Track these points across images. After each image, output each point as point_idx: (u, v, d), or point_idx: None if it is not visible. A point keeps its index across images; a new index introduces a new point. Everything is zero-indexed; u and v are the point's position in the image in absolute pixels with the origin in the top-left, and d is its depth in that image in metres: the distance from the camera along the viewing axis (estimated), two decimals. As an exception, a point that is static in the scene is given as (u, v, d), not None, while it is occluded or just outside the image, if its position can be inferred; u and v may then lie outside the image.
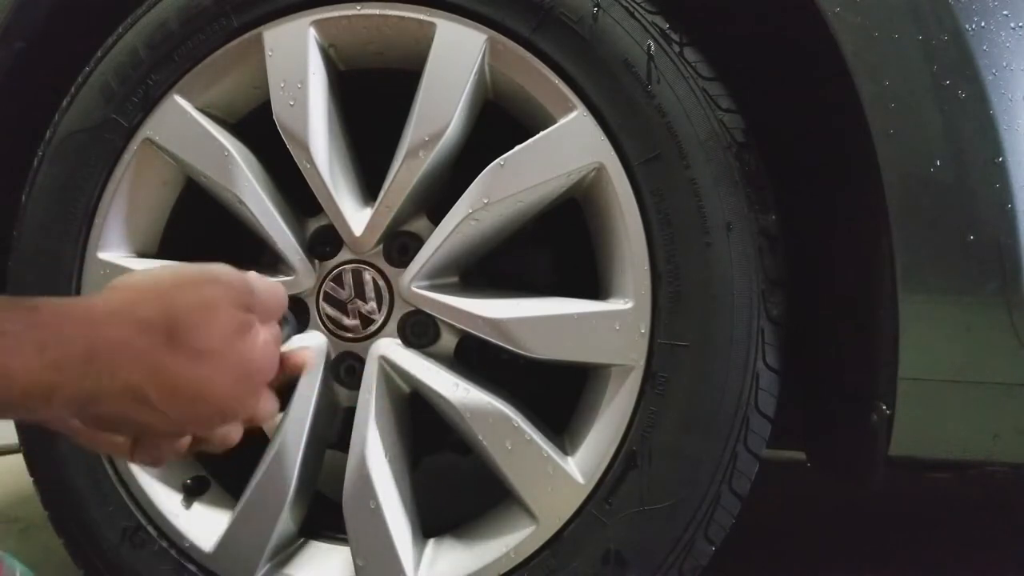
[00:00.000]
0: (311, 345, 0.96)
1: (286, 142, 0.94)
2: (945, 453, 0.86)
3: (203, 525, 0.99)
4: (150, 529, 0.98)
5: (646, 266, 0.87)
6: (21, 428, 1.03)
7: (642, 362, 0.87)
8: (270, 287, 0.64)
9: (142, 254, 1.03)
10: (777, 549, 1.45)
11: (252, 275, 0.63)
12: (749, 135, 0.88)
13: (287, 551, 1.00)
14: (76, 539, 1.01)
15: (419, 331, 0.95)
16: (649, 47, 0.87)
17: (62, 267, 1.00)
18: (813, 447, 1.09)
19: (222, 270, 0.61)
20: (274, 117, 0.94)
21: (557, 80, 0.88)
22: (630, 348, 0.87)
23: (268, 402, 0.64)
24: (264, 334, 0.61)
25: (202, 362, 0.56)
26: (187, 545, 0.98)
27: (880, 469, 0.88)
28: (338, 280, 0.97)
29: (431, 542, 0.96)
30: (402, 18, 0.92)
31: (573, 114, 0.88)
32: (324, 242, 0.99)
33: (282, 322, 0.67)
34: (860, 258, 0.91)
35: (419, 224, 0.98)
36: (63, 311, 0.53)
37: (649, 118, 0.86)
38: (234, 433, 0.64)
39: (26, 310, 0.51)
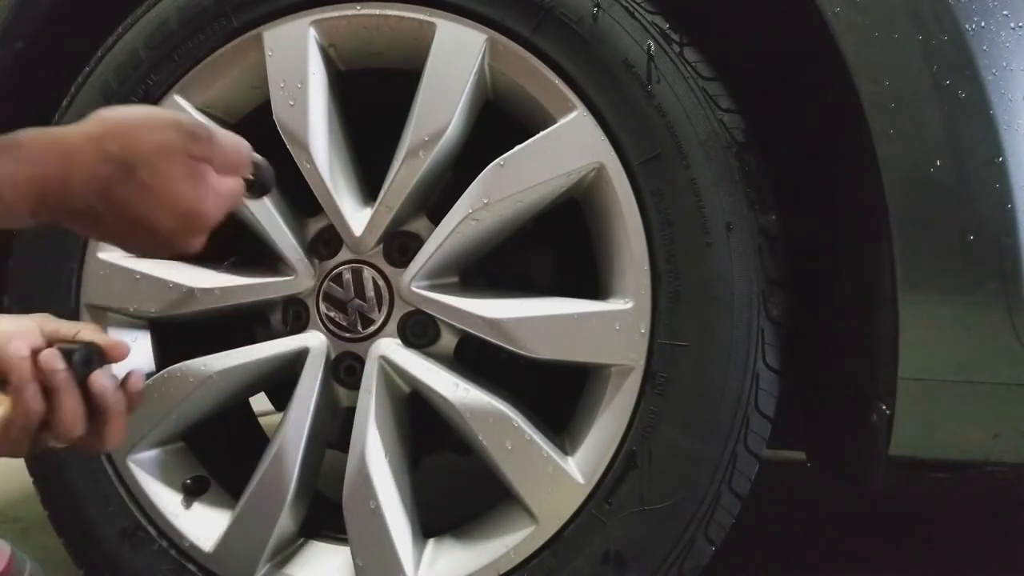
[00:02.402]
0: (311, 345, 0.96)
1: (286, 142, 0.94)
2: (945, 453, 0.85)
3: (203, 525, 0.99)
4: (150, 529, 0.99)
5: (646, 266, 0.87)
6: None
7: (642, 362, 0.87)
8: (231, 140, 0.71)
9: (142, 254, 1.03)
10: (777, 549, 1.45)
11: (216, 128, 0.71)
12: (749, 135, 0.88)
13: (287, 551, 1.00)
14: (76, 539, 1.01)
15: (419, 331, 0.95)
16: (649, 47, 0.87)
17: (62, 267, 1.00)
18: (813, 447, 1.09)
19: (187, 119, 0.69)
20: (274, 117, 0.94)
21: (557, 80, 0.88)
22: (630, 348, 0.87)
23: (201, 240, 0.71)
24: (217, 183, 0.69)
25: (149, 197, 0.65)
26: (187, 545, 0.98)
27: (880, 469, 0.88)
28: (338, 280, 0.97)
29: (431, 542, 0.96)
30: (402, 18, 0.92)
31: (573, 114, 0.88)
32: (324, 242, 0.99)
33: (255, 174, 0.74)
34: (860, 258, 0.91)
35: (419, 224, 0.98)
36: (42, 139, 0.66)
37: (649, 118, 0.86)
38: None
39: (11, 143, 0.64)
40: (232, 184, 0.71)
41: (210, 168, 0.68)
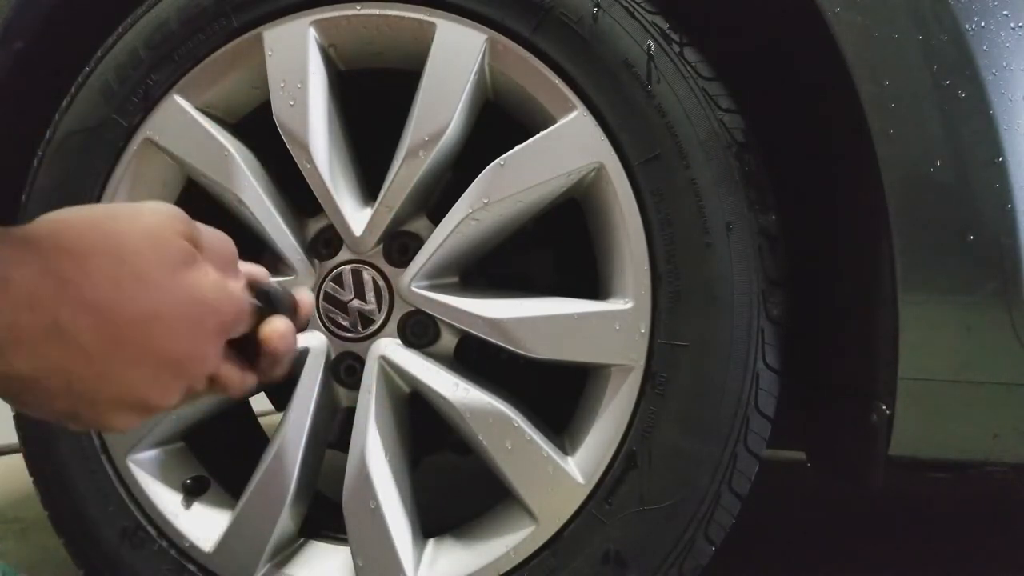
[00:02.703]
0: (311, 345, 0.96)
1: (286, 142, 0.94)
2: (945, 453, 0.85)
3: (203, 525, 0.99)
4: (150, 529, 0.99)
5: (646, 266, 0.87)
6: (21, 428, 1.03)
7: (642, 362, 0.87)
8: (211, 229, 0.55)
9: (142, 254, 1.03)
10: (777, 549, 1.45)
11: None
12: (749, 135, 0.88)
13: (287, 551, 1.00)
14: (76, 539, 1.01)
15: (419, 331, 0.95)
16: (649, 47, 0.87)
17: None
18: (813, 447, 1.09)
19: (157, 203, 0.51)
20: (274, 117, 0.94)
21: (557, 80, 0.88)
22: (630, 348, 0.87)
23: (231, 366, 0.54)
24: (214, 275, 0.52)
25: (146, 293, 0.46)
26: (187, 545, 0.98)
27: (880, 469, 0.88)
28: (338, 280, 0.97)
29: (431, 542, 0.96)
30: (402, 18, 0.92)
31: (573, 114, 0.88)
32: (324, 242, 0.99)
33: (260, 294, 0.59)
34: (860, 258, 0.91)
35: (419, 224, 0.98)
36: None
37: (649, 118, 0.86)
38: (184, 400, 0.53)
39: None
40: (237, 284, 0.55)
41: (199, 255, 0.52)
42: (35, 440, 1.02)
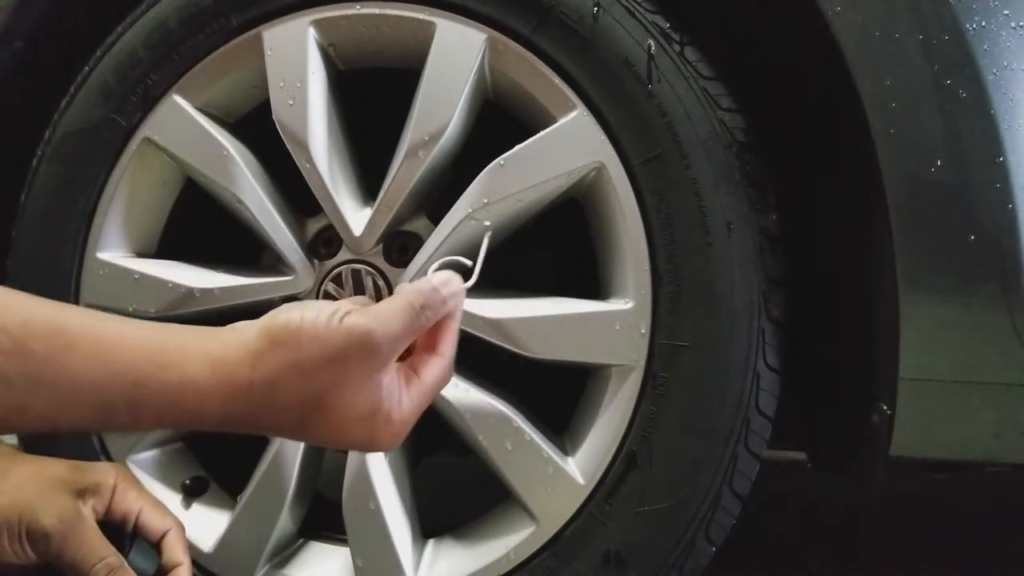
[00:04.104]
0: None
1: (285, 142, 0.94)
2: (945, 453, 0.85)
3: (202, 525, 0.98)
4: (149, 529, 0.98)
5: (646, 266, 0.87)
6: (20, 428, 1.02)
7: (642, 362, 0.87)
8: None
9: (141, 254, 1.03)
10: (777, 549, 1.45)
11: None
12: (750, 134, 0.88)
13: (287, 551, 1.00)
14: (75, 540, 1.01)
15: (419, 331, 0.95)
16: (649, 46, 0.87)
17: (61, 267, 1.00)
18: (813, 447, 1.09)
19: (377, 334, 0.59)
20: (273, 117, 0.94)
21: (557, 80, 0.88)
22: (630, 348, 0.87)
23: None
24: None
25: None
26: (186, 545, 0.97)
27: (880, 469, 0.88)
28: (338, 280, 0.96)
29: (431, 543, 0.96)
30: (402, 17, 0.92)
31: (573, 114, 0.88)
32: (324, 242, 0.99)
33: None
34: (860, 258, 0.91)
35: (419, 224, 0.98)
36: (199, 398, 0.55)
37: (649, 118, 0.86)
38: None
39: (175, 386, 0.55)
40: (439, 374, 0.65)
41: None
42: (35, 440, 1.02)
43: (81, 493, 0.74)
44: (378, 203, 0.93)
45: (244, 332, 0.58)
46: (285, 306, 0.60)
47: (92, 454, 0.99)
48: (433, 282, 0.64)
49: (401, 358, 0.63)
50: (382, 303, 0.62)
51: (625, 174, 0.87)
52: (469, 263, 0.72)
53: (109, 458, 0.99)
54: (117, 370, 0.53)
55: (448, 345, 0.66)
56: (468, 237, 0.91)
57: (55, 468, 0.77)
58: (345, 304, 0.60)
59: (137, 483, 0.81)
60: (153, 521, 0.78)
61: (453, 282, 0.66)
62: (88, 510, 0.74)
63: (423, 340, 0.65)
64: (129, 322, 0.57)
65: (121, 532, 0.75)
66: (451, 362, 0.66)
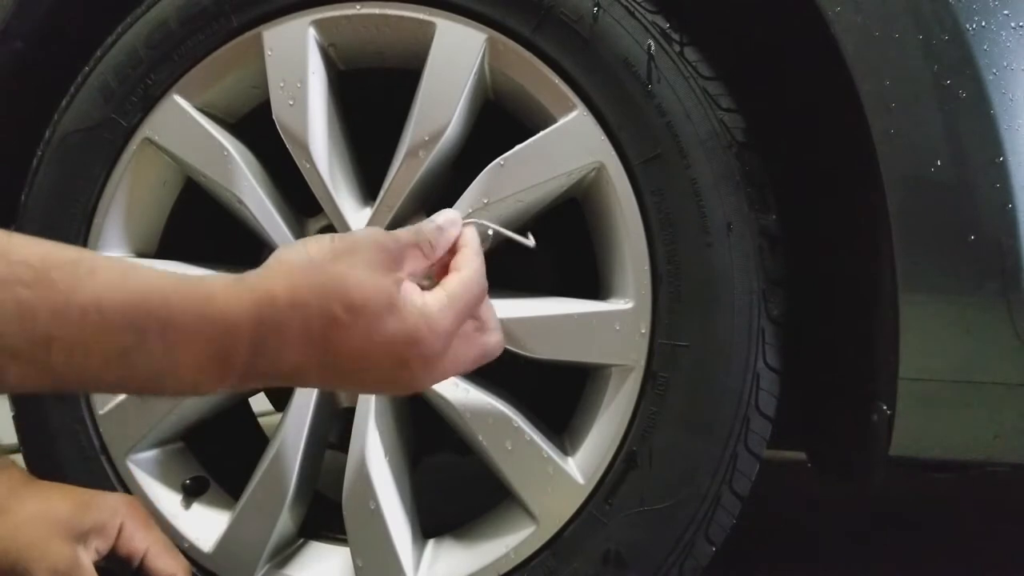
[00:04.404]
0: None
1: (285, 142, 0.94)
2: (945, 453, 0.85)
3: (202, 525, 0.98)
4: (149, 529, 0.98)
5: (646, 266, 0.87)
6: (21, 428, 1.02)
7: (642, 362, 0.87)
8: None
9: (141, 254, 1.03)
10: (777, 549, 1.45)
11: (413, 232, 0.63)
12: (750, 135, 0.88)
13: (287, 551, 1.00)
14: (75, 539, 1.01)
15: (419, 331, 0.95)
16: (649, 46, 0.87)
17: (61, 267, 1.00)
18: (813, 447, 1.09)
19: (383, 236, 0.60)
20: (274, 117, 0.94)
21: (557, 80, 0.88)
22: (630, 348, 0.87)
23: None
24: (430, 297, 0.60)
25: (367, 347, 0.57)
26: (186, 546, 0.97)
27: (880, 469, 0.88)
28: (338, 280, 0.96)
29: (431, 542, 0.96)
30: (402, 18, 0.92)
31: (573, 114, 0.88)
32: (324, 242, 0.99)
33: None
34: (860, 258, 0.91)
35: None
36: (228, 308, 0.54)
37: (649, 118, 0.86)
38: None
39: (201, 299, 0.53)
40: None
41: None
42: (35, 440, 1.02)
43: (83, 536, 0.73)
44: (378, 203, 0.93)
45: (254, 270, 0.58)
46: (283, 245, 0.61)
47: (92, 454, 0.99)
48: (436, 221, 0.65)
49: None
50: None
51: (625, 174, 0.87)
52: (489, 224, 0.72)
53: (108, 457, 0.99)
54: (143, 289, 0.52)
55: (466, 262, 0.64)
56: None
57: (59, 507, 0.75)
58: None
59: (147, 521, 0.81)
60: (159, 562, 0.77)
61: (450, 218, 0.66)
62: (89, 553, 0.73)
63: (440, 270, 0.64)
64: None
65: (126, 571, 0.74)
66: (474, 275, 0.63)
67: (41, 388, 0.52)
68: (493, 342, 0.64)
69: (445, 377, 0.62)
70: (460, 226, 0.66)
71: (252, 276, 0.56)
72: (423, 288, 0.61)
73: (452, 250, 0.65)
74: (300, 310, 0.55)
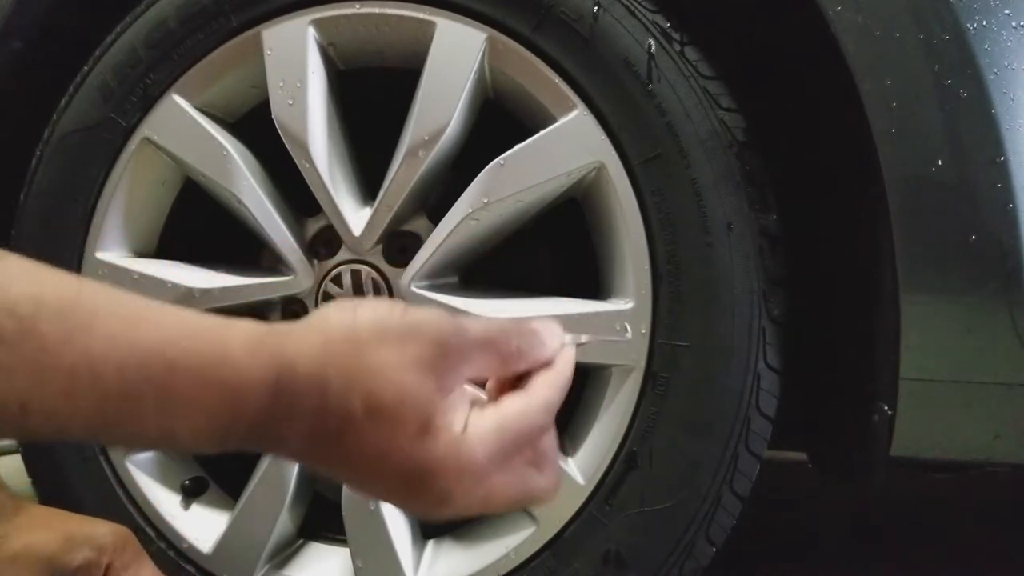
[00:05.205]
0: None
1: (285, 142, 0.94)
2: (946, 453, 0.85)
3: (202, 526, 0.98)
4: (148, 530, 0.98)
5: (646, 266, 0.87)
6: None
7: (643, 362, 0.87)
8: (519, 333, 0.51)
9: (141, 254, 1.03)
10: (777, 549, 1.45)
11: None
12: (750, 134, 0.88)
13: (286, 552, 0.99)
14: (74, 540, 1.01)
15: (419, 331, 0.95)
16: (650, 46, 0.87)
17: (61, 267, 0.99)
18: (813, 447, 1.09)
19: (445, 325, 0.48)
20: (273, 117, 0.94)
21: (557, 79, 0.88)
22: (630, 348, 0.87)
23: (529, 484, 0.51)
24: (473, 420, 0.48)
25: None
26: (186, 546, 0.97)
27: (881, 469, 0.88)
28: (337, 280, 0.96)
29: (430, 543, 0.96)
30: (402, 17, 0.92)
31: (573, 113, 0.88)
32: (323, 242, 0.99)
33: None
34: (860, 258, 0.91)
35: (419, 224, 0.98)
36: (239, 377, 0.45)
37: (650, 117, 0.86)
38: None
39: (213, 362, 0.45)
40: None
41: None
42: (34, 441, 1.02)
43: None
44: (378, 203, 0.93)
45: (288, 324, 0.49)
46: (334, 303, 0.51)
47: (91, 455, 0.99)
48: (533, 324, 0.53)
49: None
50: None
51: (625, 174, 0.87)
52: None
53: (108, 458, 0.99)
54: (145, 348, 0.44)
55: (543, 390, 0.52)
56: (468, 237, 0.91)
57: (46, 542, 0.74)
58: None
59: (138, 554, 0.78)
60: None
61: (553, 328, 0.54)
62: None
63: (508, 381, 0.54)
64: (155, 301, 0.47)
65: None
66: (542, 406, 0.52)
67: (11, 437, 0.46)
68: (544, 486, 0.52)
69: (470, 512, 0.50)
70: (560, 340, 0.54)
71: (279, 335, 0.47)
72: (480, 404, 0.51)
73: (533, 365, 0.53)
74: (317, 395, 0.46)
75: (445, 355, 0.48)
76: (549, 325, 0.54)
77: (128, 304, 0.46)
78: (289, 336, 0.47)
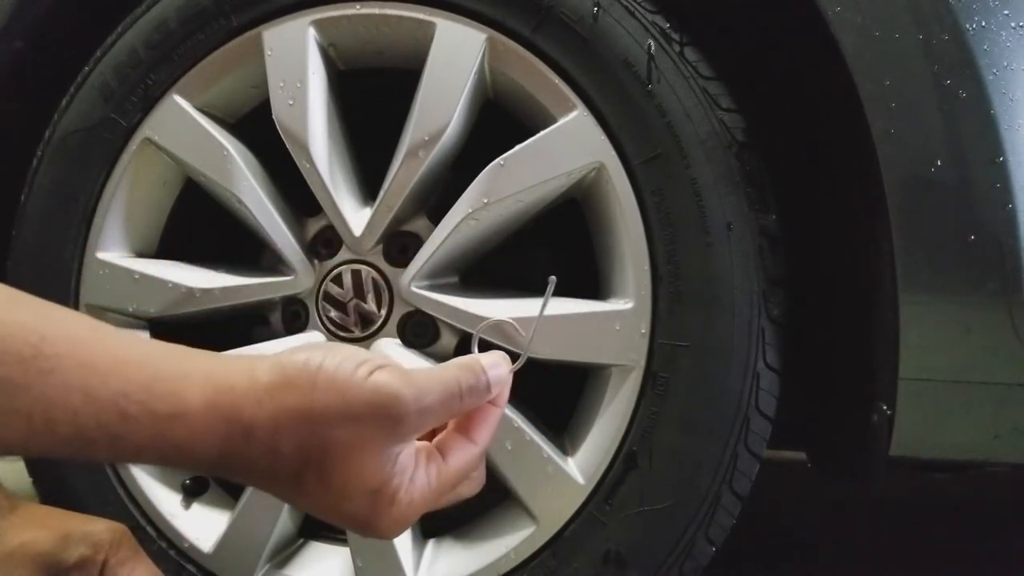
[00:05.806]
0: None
1: (285, 142, 0.94)
2: (945, 453, 0.85)
3: (202, 526, 0.98)
4: (149, 530, 0.98)
5: (646, 266, 0.87)
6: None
7: (642, 362, 0.87)
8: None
9: (141, 254, 1.03)
10: (777, 549, 1.45)
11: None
12: (750, 134, 0.88)
13: (286, 552, 1.00)
14: (75, 540, 1.01)
15: (419, 331, 0.95)
16: (649, 46, 0.87)
17: (61, 267, 1.00)
18: (813, 447, 1.09)
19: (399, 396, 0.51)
20: (273, 117, 0.94)
21: (557, 80, 0.88)
22: (630, 348, 0.87)
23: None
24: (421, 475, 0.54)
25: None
26: (186, 546, 0.97)
27: (880, 469, 0.88)
28: (338, 280, 0.96)
29: (431, 543, 0.96)
30: (402, 17, 0.92)
31: (573, 114, 0.88)
32: (324, 242, 0.99)
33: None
34: (860, 258, 0.91)
35: (419, 224, 0.98)
36: (193, 438, 0.48)
37: (649, 117, 0.86)
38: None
39: (164, 418, 0.48)
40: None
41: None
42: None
43: (63, 573, 0.72)
44: (378, 203, 0.93)
45: (255, 364, 0.51)
46: (308, 345, 0.54)
47: (92, 454, 0.99)
48: (483, 362, 0.58)
49: (427, 437, 0.57)
50: (422, 371, 0.54)
51: (625, 174, 0.87)
52: (515, 325, 0.68)
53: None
54: (102, 399, 0.46)
55: (484, 434, 0.58)
56: (468, 237, 0.91)
57: (42, 539, 0.74)
58: (378, 359, 0.53)
59: (135, 552, 0.78)
60: None
61: (501, 367, 0.59)
62: None
63: (457, 421, 0.58)
64: (125, 339, 0.49)
65: None
66: (482, 455, 0.59)
67: None
68: (465, 493, 0.61)
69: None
70: (507, 374, 0.60)
71: (236, 394, 0.49)
72: (424, 452, 0.55)
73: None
74: (268, 459, 0.49)
75: (403, 434, 0.52)
76: (496, 364, 0.59)
77: (90, 347, 0.47)
78: (246, 397, 0.49)
